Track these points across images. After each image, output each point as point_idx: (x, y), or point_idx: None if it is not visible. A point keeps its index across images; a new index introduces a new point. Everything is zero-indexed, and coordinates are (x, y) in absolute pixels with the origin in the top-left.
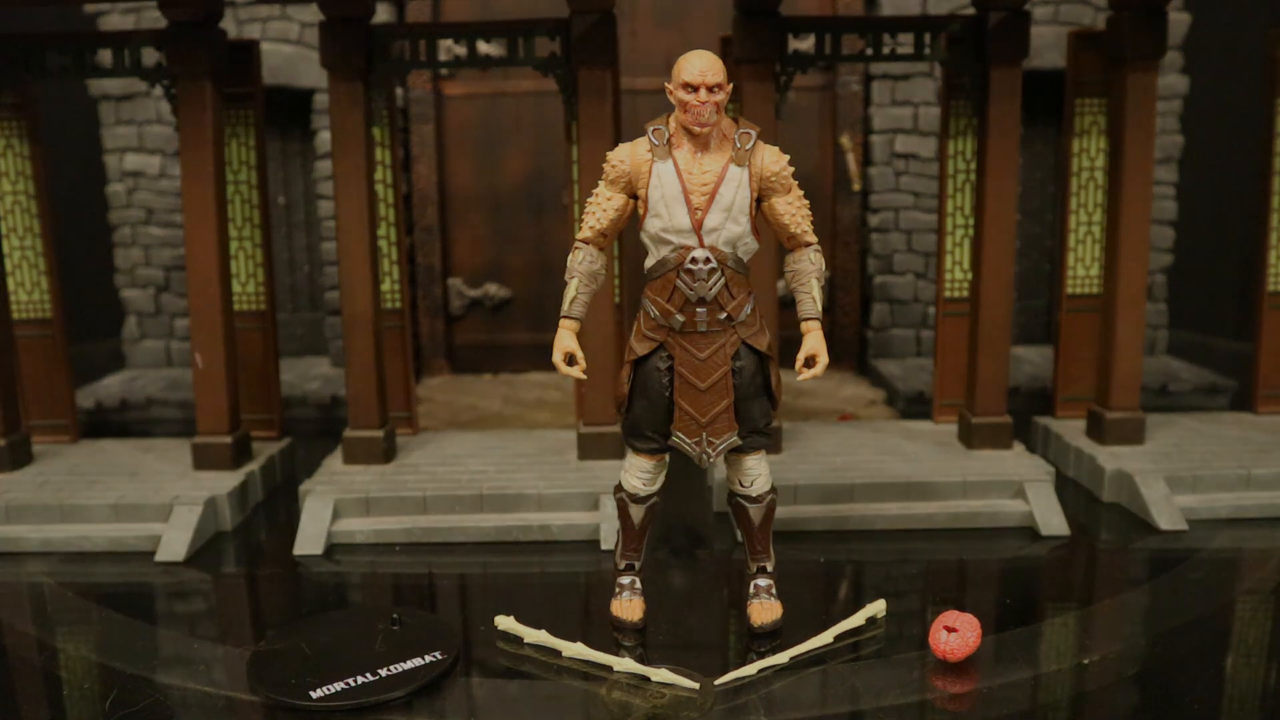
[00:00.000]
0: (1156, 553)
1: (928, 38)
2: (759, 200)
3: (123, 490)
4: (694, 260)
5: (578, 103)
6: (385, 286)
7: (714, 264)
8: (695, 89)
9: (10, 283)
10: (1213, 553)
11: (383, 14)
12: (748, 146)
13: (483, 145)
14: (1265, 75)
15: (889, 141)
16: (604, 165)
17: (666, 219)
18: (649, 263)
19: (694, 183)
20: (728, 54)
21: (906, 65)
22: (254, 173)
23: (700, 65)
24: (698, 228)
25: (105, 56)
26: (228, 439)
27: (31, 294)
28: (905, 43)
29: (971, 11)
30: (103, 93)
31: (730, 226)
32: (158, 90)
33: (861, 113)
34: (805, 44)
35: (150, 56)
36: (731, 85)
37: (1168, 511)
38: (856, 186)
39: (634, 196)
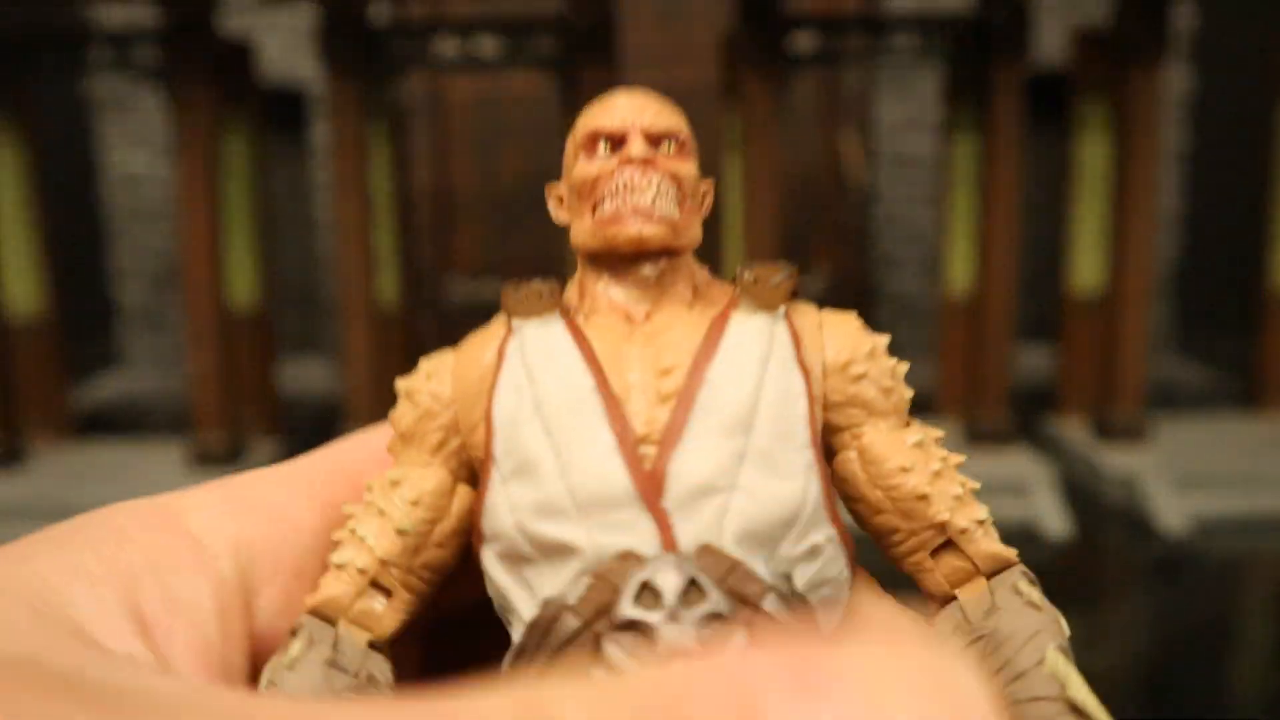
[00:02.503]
0: (1160, 554)
1: (932, 36)
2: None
3: (117, 490)
4: (648, 593)
5: (577, 102)
6: (384, 285)
7: (712, 602)
8: (619, 139)
9: (5, 282)
10: (1218, 553)
11: (382, 11)
12: (773, 281)
13: (483, 144)
14: (1273, 75)
15: (892, 140)
16: (397, 405)
17: (552, 468)
18: (515, 631)
19: (632, 363)
20: (730, 53)
21: (910, 63)
22: (250, 173)
23: (631, 98)
24: (650, 490)
25: (100, 55)
26: (224, 438)
27: (26, 293)
28: (909, 41)
29: (975, 10)
30: (98, 93)
31: (756, 478)
32: (155, 90)
33: (864, 111)
34: (808, 42)
35: (146, 55)
36: (696, 167)
37: (1172, 512)
38: (858, 185)
39: (472, 475)
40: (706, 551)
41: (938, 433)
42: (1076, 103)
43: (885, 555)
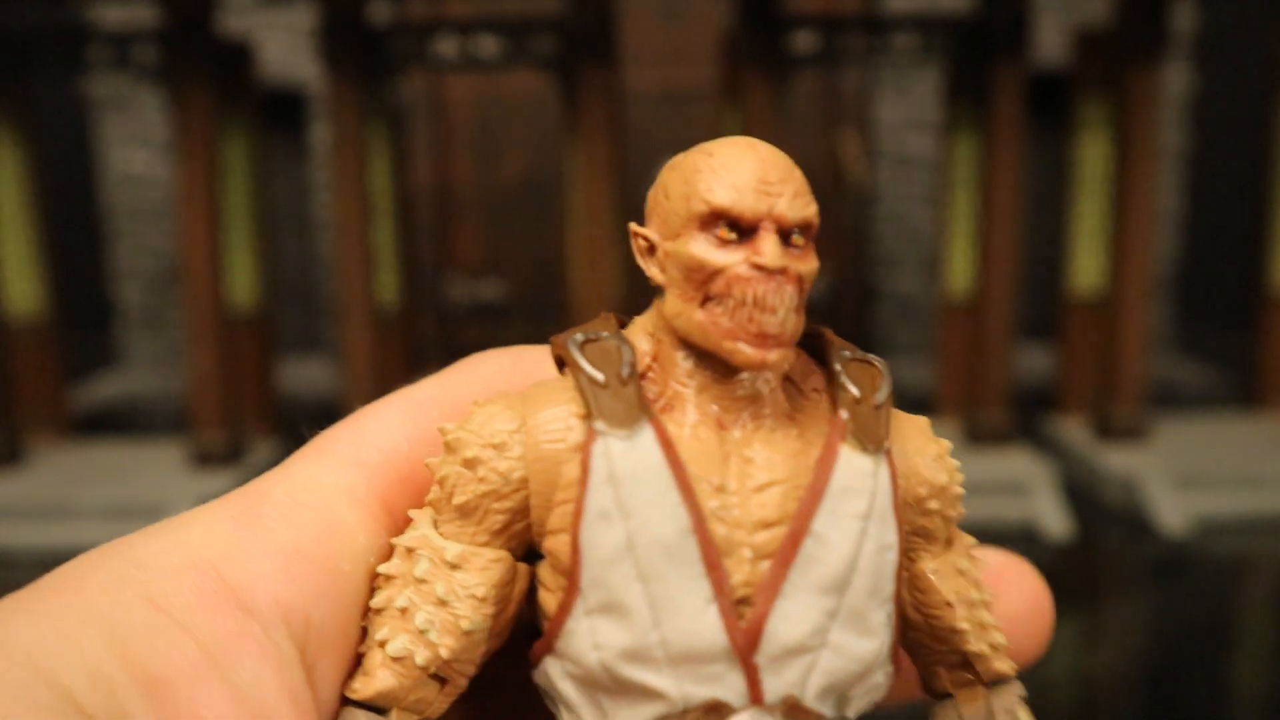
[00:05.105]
0: (1161, 554)
1: (932, 35)
2: None
3: (115, 490)
4: None
5: (577, 101)
6: (383, 285)
7: None
8: (749, 229)
9: (5, 282)
10: (1218, 553)
11: (382, 11)
12: (876, 402)
13: (483, 144)
14: (1273, 75)
15: (892, 139)
16: (445, 458)
17: (644, 617)
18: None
19: (732, 509)
20: (730, 53)
21: (910, 63)
22: (250, 173)
23: (760, 170)
24: (745, 646)
25: (100, 55)
26: (224, 437)
27: (26, 293)
28: (909, 41)
29: (975, 10)
30: (98, 93)
31: (845, 637)
32: (155, 90)
33: (864, 111)
34: (808, 42)
35: (146, 55)
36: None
37: (1173, 512)
38: (858, 185)
39: (529, 552)
40: (792, 706)
41: (970, 540)
42: (1076, 103)
43: (926, 672)
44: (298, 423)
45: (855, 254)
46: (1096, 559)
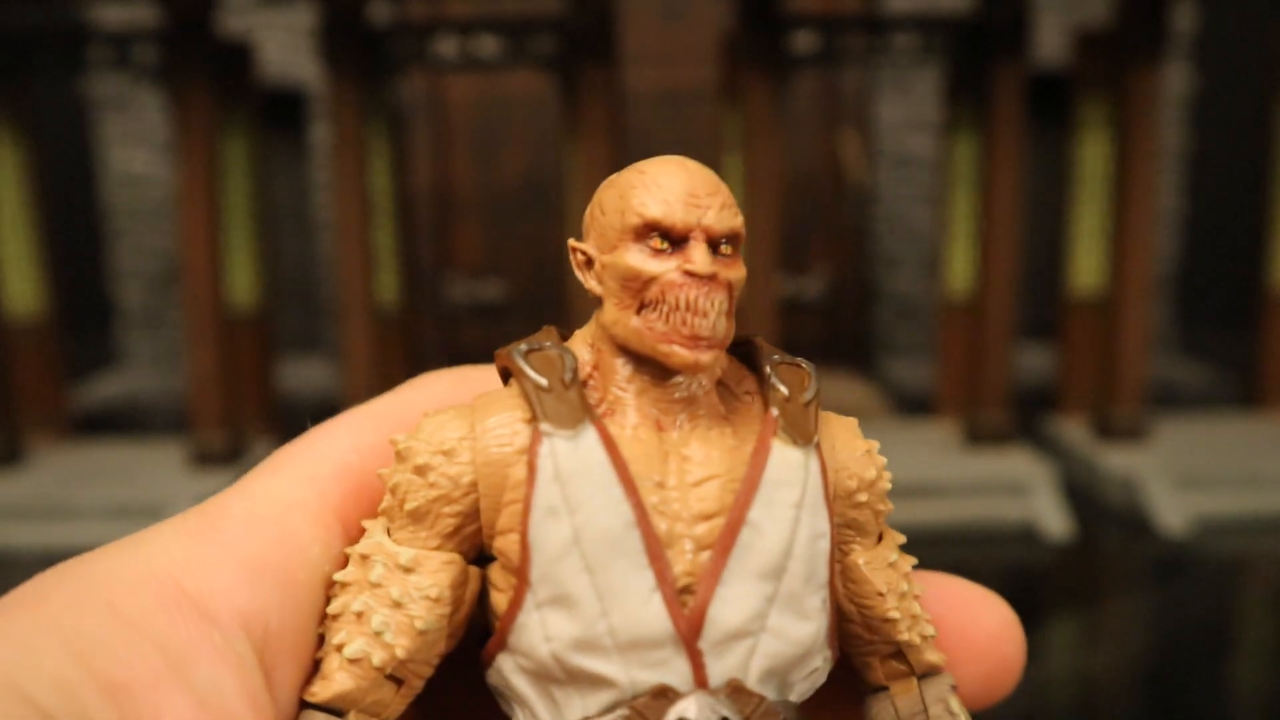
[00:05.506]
0: (1161, 554)
1: (932, 35)
2: None
3: (115, 490)
4: None
5: (577, 101)
6: (383, 285)
7: None
8: (680, 239)
9: (5, 282)
10: (1218, 553)
11: (382, 11)
12: (804, 399)
13: (483, 144)
14: (1273, 75)
15: (892, 139)
16: (396, 467)
17: (593, 607)
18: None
19: (672, 504)
20: (730, 53)
21: (910, 63)
22: (250, 173)
23: (689, 184)
24: (689, 633)
25: (100, 55)
26: (224, 437)
27: (26, 293)
28: (909, 41)
29: (975, 10)
30: (98, 93)
31: (784, 621)
32: (155, 90)
33: (864, 111)
34: (808, 42)
35: (146, 55)
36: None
37: (1173, 512)
38: (858, 185)
39: (479, 556)
40: (736, 689)
41: (900, 538)
42: (1076, 103)
43: (859, 660)
44: (297, 423)
45: (855, 254)
46: (1096, 559)
